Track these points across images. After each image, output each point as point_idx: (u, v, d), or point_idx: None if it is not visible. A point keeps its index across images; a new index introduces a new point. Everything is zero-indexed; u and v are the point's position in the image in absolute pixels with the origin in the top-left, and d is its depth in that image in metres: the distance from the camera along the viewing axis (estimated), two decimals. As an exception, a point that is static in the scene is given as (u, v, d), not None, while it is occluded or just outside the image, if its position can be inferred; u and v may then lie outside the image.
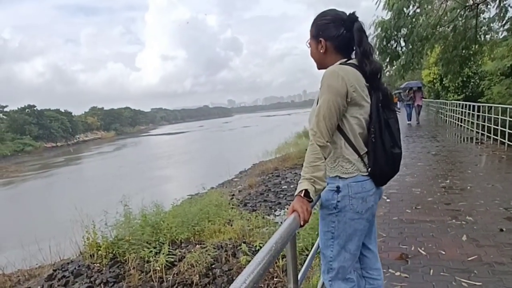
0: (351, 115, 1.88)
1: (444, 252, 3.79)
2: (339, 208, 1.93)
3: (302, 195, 1.71)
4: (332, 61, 1.95)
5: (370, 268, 2.17)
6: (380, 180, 1.99)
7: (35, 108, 70.27)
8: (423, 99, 19.79)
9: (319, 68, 2.04)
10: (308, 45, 2.05)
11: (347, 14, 1.93)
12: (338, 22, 1.91)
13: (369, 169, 1.92)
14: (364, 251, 2.17)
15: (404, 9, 10.78)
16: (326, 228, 2.00)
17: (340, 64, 1.90)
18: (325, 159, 1.81)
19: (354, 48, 1.92)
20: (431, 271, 3.41)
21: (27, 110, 68.90)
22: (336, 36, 1.91)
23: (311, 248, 2.14)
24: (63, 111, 78.51)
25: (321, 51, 1.97)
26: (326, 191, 1.96)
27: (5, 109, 69.49)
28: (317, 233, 2.26)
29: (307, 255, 1.95)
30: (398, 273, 3.39)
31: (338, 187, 1.92)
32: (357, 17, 1.92)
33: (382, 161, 1.90)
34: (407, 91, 19.72)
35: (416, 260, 3.65)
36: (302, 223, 1.61)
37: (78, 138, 78.79)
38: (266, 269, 1.02)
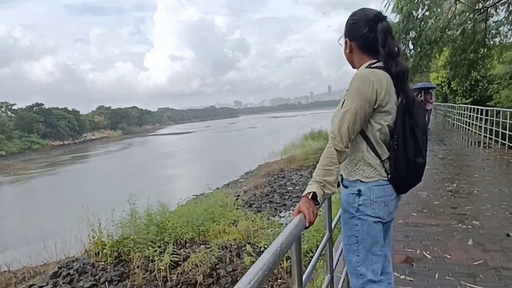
0: (376, 120, 1.83)
1: (449, 256, 3.76)
2: (361, 211, 1.90)
3: (310, 197, 1.68)
4: (359, 61, 1.95)
5: (382, 272, 2.11)
6: (401, 188, 1.94)
7: (43, 107, 70.86)
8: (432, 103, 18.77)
9: (353, 67, 2.03)
10: (341, 44, 2.04)
11: (374, 13, 1.89)
12: (363, 22, 1.88)
13: (389, 176, 1.88)
14: None
15: (413, 12, 10.75)
16: (350, 232, 1.97)
17: (370, 66, 1.87)
18: (340, 163, 1.78)
19: (378, 49, 1.87)
20: (437, 275, 3.39)
21: (35, 108, 69.44)
22: (359, 37, 1.90)
23: (316, 250, 2.13)
24: (70, 109, 78.99)
25: (347, 51, 1.98)
26: (347, 194, 1.95)
27: (13, 107, 70.10)
28: (322, 235, 2.24)
29: (311, 256, 1.93)
30: (403, 276, 3.37)
31: (359, 191, 1.89)
32: (383, 17, 1.89)
33: (403, 170, 1.85)
34: (416, 93, 19.22)
35: (422, 264, 3.63)
36: (307, 225, 1.59)
37: (85, 136, 79.27)
38: (271, 270, 1.02)
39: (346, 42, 1.97)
